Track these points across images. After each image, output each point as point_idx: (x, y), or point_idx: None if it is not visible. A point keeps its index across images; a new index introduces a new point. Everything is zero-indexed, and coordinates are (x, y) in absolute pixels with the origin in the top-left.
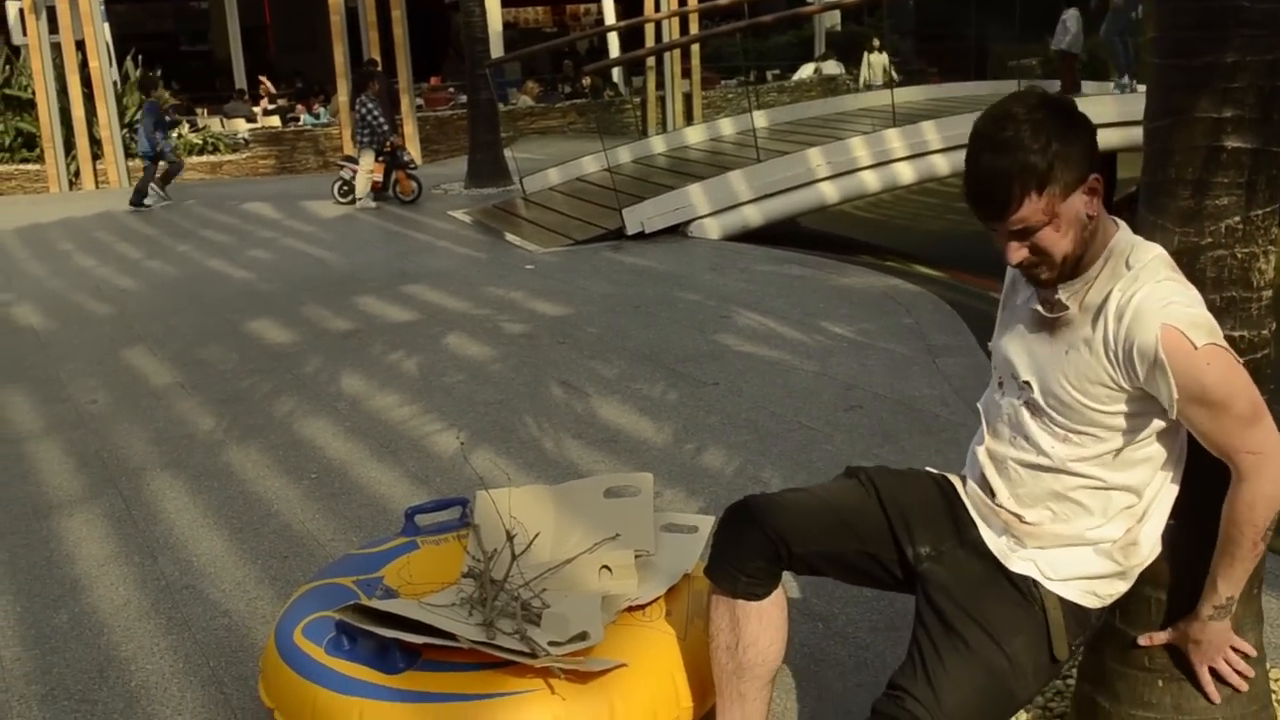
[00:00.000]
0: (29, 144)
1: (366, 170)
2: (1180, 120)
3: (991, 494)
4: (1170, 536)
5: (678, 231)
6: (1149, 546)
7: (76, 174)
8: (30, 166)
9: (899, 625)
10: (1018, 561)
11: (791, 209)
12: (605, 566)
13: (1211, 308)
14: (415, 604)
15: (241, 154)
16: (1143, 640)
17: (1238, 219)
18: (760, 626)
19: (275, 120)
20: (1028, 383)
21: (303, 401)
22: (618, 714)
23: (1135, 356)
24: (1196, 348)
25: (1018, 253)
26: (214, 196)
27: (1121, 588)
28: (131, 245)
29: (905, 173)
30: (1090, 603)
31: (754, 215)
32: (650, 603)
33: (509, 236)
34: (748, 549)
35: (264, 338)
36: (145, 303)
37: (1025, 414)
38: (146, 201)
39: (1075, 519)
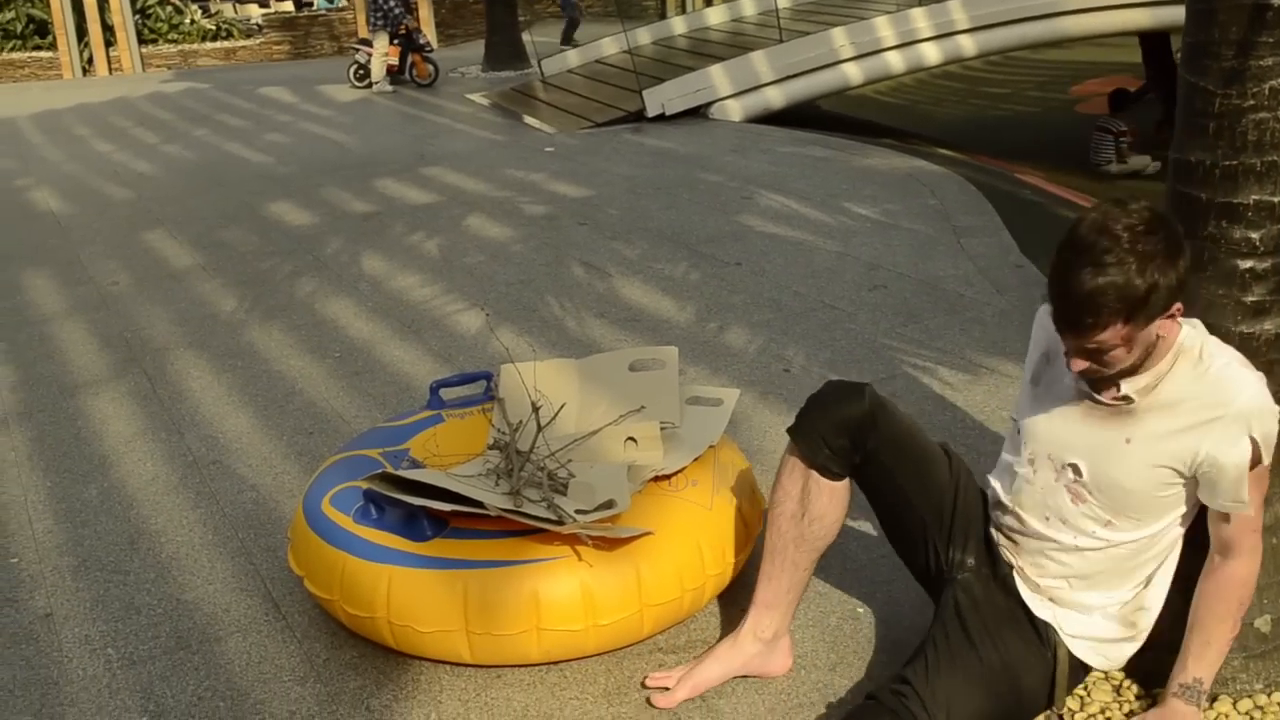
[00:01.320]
0: (41, 31)
1: (381, 54)
2: None
3: (1010, 555)
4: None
5: (699, 113)
6: (1156, 608)
7: (90, 61)
8: (43, 54)
9: None
10: (1040, 607)
11: (814, 90)
12: (631, 438)
13: (1251, 172)
14: (442, 473)
15: (255, 39)
16: None
17: None
18: (830, 503)
19: (289, 5)
20: (1075, 465)
21: (324, 282)
22: (644, 581)
23: (1218, 455)
24: (1259, 462)
25: (1080, 365)
26: (229, 82)
27: (1130, 650)
28: (148, 130)
29: (931, 54)
30: (1098, 664)
31: (776, 97)
32: (676, 473)
33: (528, 119)
34: (843, 420)
35: (284, 220)
36: (164, 186)
37: (1066, 497)
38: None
39: (1089, 591)
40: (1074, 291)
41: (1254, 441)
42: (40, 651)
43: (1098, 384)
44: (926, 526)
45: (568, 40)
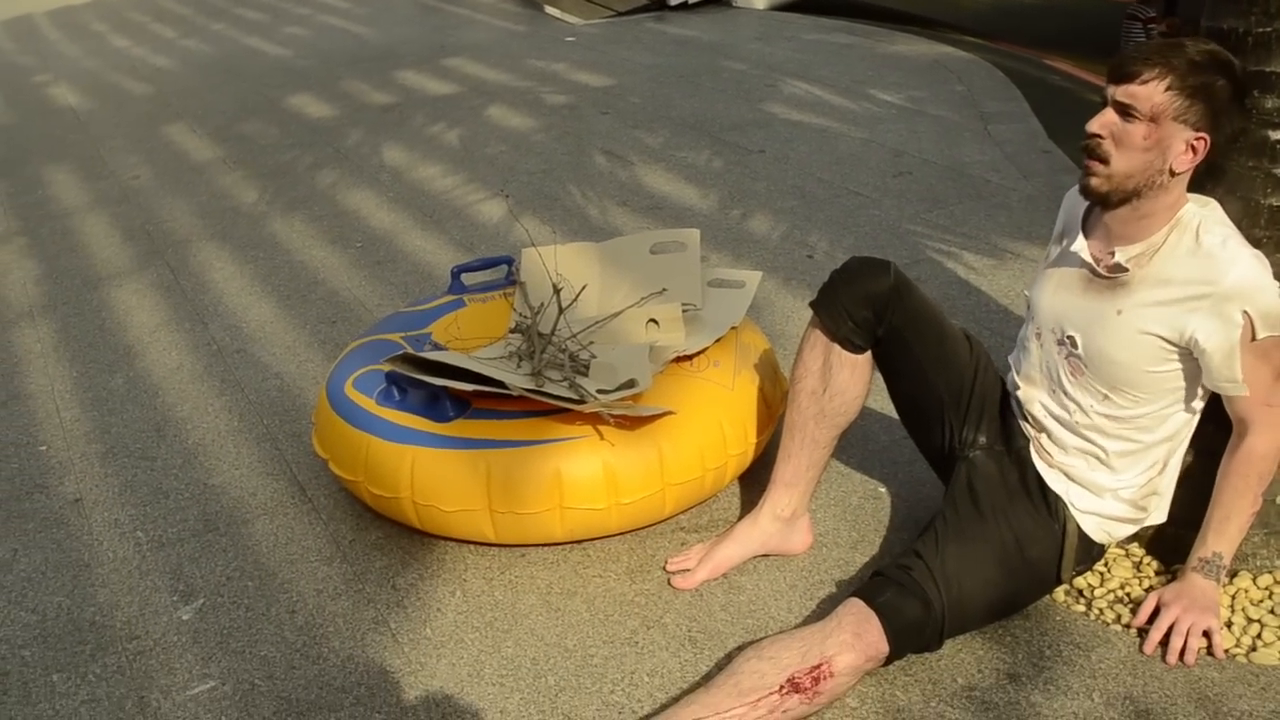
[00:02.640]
0: None
1: None
2: None
3: (1027, 429)
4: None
5: (722, 1)
6: (1168, 494)
7: None
8: None
9: None
10: (1053, 480)
11: None
12: (652, 320)
13: None
14: (464, 355)
15: None
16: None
17: None
18: (851, 378)
19: None
20: (1072, 337)
21: (345, 174)
22: (666, 460)
23: (1206, 333)
24: (1256, 338)
25: (1102, 124)
26: None
27: (1131, 530)
28: (165, 25)
29: None
30: (1101, 539)
31: None
32: (698, 354)
33: (548, 9)
34: (867, 294)
35: (304, 112)
36: (182, 81)
37: (1065, 369)
38: None
39: (1102, 471)
40: (1149, 44)
41: (1247, 316)
42: (71, 535)
43: (1090, 175)
44: (944, 404)
45: None
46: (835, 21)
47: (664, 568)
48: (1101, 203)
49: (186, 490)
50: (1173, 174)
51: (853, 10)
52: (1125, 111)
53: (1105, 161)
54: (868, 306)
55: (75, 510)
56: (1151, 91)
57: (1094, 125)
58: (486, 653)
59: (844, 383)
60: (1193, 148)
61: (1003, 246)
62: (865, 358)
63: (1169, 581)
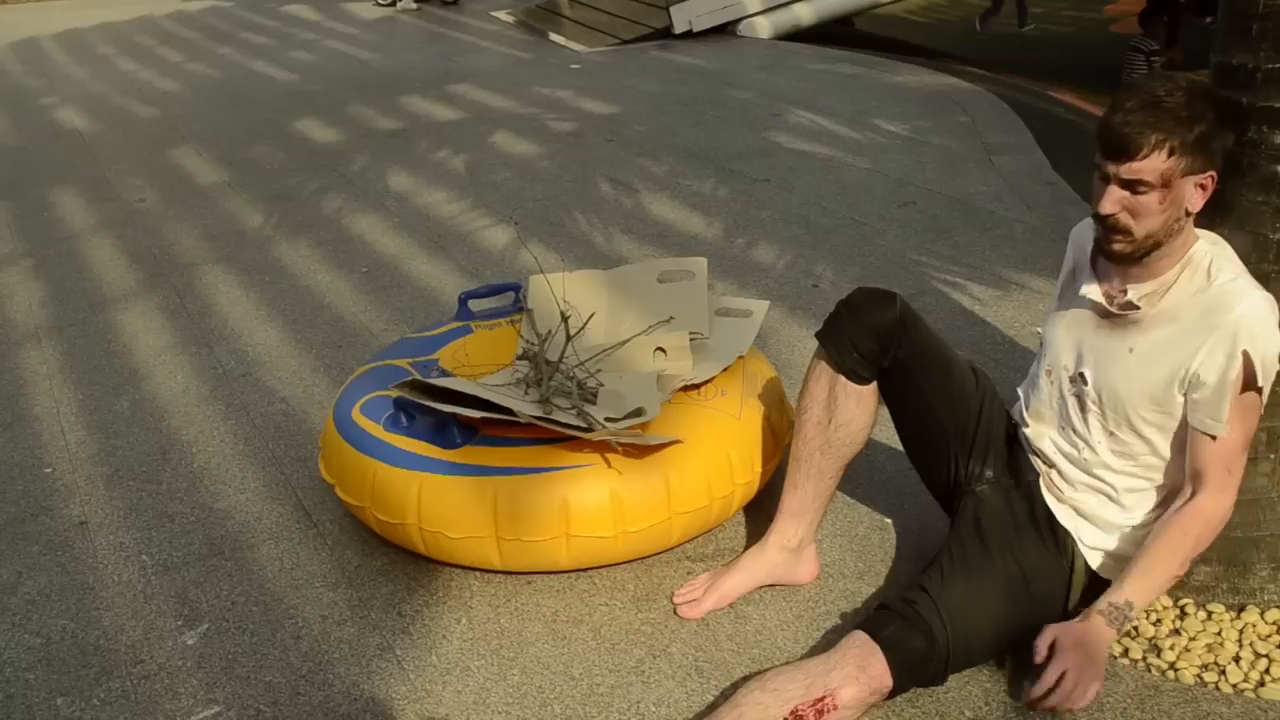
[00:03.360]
0: None
1: None
2: None
3: (1037, 463)
4: None
5: (727, 30)
6: None
7: None
8: None
9: None
10: (1063, 515)
11: (844, 7)
12: (660, 348)
13: None
14: (472, 382)
15: None
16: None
17: None
18: (857, 409)
19: None
20: (1082, 375)
21: (351, 198)
22: (673, 489)
23: (1206, 364)
24: (1255, 387)
25: (1113, 202)
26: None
27: None
28: (172, 49)
29: None
30: (1108, 575)
31: (806, 14)
32: (705, 383)
33: (553, 37)
34: (873, 325)
35: (310, 137)
36: (189, 104)
37: (1075, 406)
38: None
39: (1112, 508)
40: (1125, 114)
41: (1246, 357)
42: (75, 558)
43: (1113, 243)
44: (949, 437)
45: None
46: (840, 51)
47: (670, 597)
48: (1124, 261)
49: (192, 514)
50: (1188, 214)
51: (857, 41)
52: (1134, 185)
53: (1128, 232)
54: (873, 338)
55: (80, 533)
56: (1156, 163)
57: (1106, 207)
58: (492, 680)
59: (850, 414)
60: (1202, 186)
61: (1007, 278)
62: (871, 389)
63: (1172, 616)
